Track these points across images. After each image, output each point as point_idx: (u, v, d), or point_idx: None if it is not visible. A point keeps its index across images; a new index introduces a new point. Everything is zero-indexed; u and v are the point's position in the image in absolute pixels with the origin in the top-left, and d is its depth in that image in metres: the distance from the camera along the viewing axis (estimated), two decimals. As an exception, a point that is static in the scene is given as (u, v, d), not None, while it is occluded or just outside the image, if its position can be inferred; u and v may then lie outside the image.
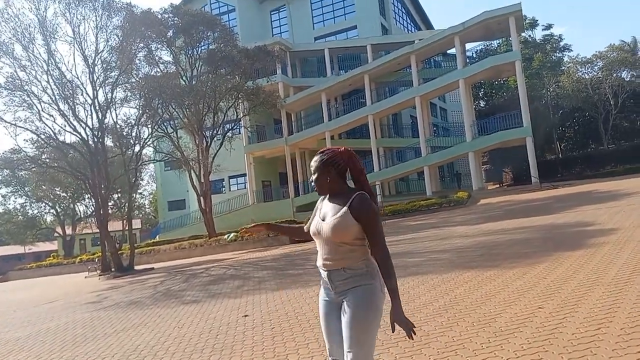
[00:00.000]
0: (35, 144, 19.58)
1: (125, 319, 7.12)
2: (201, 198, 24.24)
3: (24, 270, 29.22)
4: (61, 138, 17.90)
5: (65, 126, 17.29)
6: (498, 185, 36.00)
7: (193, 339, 5.19)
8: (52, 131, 17.44)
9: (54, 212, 39.85)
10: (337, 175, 2.22)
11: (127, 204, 21.08)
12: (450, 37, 27.61)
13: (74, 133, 17.48)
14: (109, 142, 20.45)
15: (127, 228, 19.67)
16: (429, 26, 43.74)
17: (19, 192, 36.78)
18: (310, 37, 36.08)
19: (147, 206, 56.89)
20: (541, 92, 36.72)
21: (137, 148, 19.28)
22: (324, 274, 2.23)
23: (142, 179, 45.88)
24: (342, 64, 35.03)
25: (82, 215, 40.17)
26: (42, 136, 17.70)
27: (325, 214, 2.21)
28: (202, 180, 24.23)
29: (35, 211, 39.72)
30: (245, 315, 5.96)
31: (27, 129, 16.97)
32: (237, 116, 27.05)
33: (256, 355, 4.22)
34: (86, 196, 29.47)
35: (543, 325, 3.86)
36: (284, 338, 4.64)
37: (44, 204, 38.51)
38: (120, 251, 20.77)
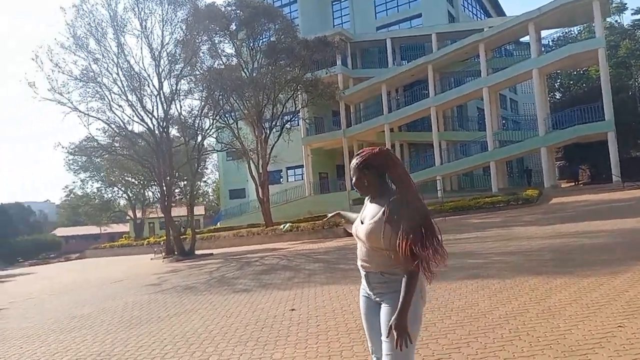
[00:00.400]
0: (107, 133, 20.81)
1: (179, 304, 7.25)
2: (259, 188, 24.63)
3: (98, 250, 31.35)
4: (130, 128, 18.87)
5: (133, 116, 18.20)
6: (573, 184, 33.54)
7: (239, 329, 5.11)
8: (122, 121, 18.44)
9: (126, 197, 42.36)
10: (373, 177, 2.17)
11: (188, 192, 21.86)
12: (524, 24, 25.87)
13: (141, 123, 18.36)
14: (173, 132, 21.24)
15: (191, 214, 20.39)
16: (500, 13, 41.40)
17: (95, 177, 39.35)
18: (372, 27, 35.32)
19: (210, 194, 59.00)
20: (628, 83, 33.56)
21: (199, 138, 19.83)
22: (362, 273, 2.25)
23: (206, 168, 47.61)
24: (404, 54, 34.00)
25: (151, 201, 42.35)
26: (113, 126, 18.75)
27: (365, 217, 2.20)
28: (261, 171, 24.60)
29: (110, 195, 42.42)
30: (293, 309, 5.81)
31: (99, 119, 18.08)
32: (295, 108, 27.13)
33: (298, 354, 4.04)
34: (153, 183, 31.04)
35: (624, 348, 3.34)
36: (329, 337, 4.42)
37: (116, 189, 41.03)
38: (184, 236, 21.58)
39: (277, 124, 26.10)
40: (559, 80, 40.47)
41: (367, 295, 2.25)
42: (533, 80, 26.03)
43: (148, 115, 18.32)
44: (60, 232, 58.18)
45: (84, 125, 18.36)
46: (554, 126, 26.11)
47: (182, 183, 39.96)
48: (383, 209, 2.06)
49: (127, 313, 6.91)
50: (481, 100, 29.06)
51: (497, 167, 26.90)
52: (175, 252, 18.53)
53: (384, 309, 2.11)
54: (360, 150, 2.24)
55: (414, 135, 32.53)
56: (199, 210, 53.26)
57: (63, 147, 21.38)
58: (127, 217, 45.21)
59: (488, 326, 4.18)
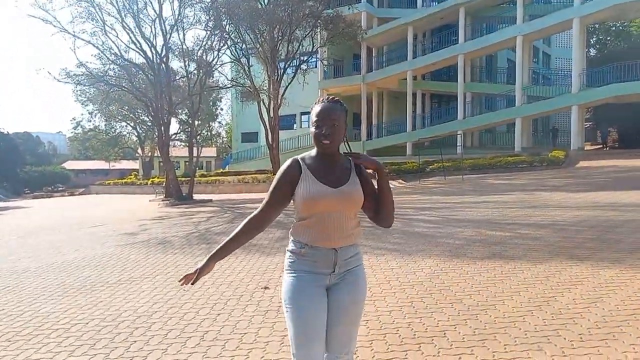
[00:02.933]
0: (102, 61, 19.13)
1: (141, 264, 6.18)
2: (269, 132, 23.28)
3: (103, 186, 30.86)
4: (127, 56, 17.19)
5: (130, 44, 16.51)
6: (601, 147, 31.44)
7: (188, 315, 3.96)
8: (117, 47, 16.78)
9: (136, 133, 41.23)
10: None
11: (199, 132, 20.59)
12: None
13: (139, 51, 16.71)
14: (175, 63, 19.49)
15: (200, 155, 19.19)
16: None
17: (104, 111, 38.01)
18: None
19: (224, 136, 57.88)
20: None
21: (202, 72, 18.18)
22: (323, 253, 1.79)
23: (221, 108, 46.12)
24: (435, -6, 31.14)
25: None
26: (107, 52, 17.12)
27: (331, 179, 1.79)
28: (271, 114, 23.15)
29: (119, 130, 41.21)
30: (266, 288, 4.64)
31: (90, 43, 16.35)
32: (313, 47, 25.13)
33: (248, 369, 2.87)
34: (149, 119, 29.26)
35: None
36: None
37: (125, 124, 39.79)
38: (194, 177, 20.37)
39: (292, 64, 24.32)
40: (595, 36, 37.35)
41: (320, 284, 1.81)
42: (573, 31, 23.58)
43: (147, 43, 16.66)
44: (71, 165, 58.07)
45: (71, 49, 16.54)
46: (588, 84, 23.89)
47: (196, 122, 38.59)
48: (352, 165, 1.87)
49: (77, 272, 5.86)
50: (512, 51, 26.75)
51: (522, 125, 25.05)
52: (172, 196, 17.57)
53: (350, 287, 1.84)
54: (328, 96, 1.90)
55: (438, 85, 30.43)
56: (210, 152, 52.33)
57: (49, 73, 19.80)
58: (137, 155, 44.46)
59: (514, 348, 2.91)
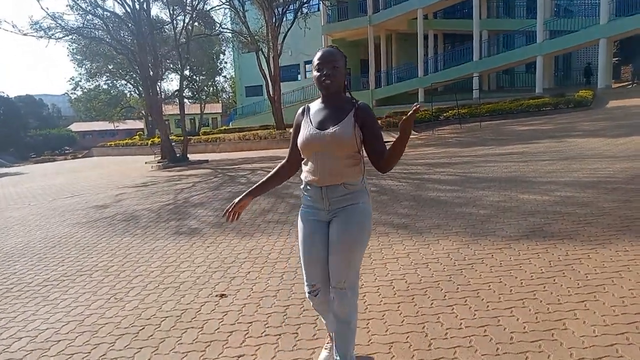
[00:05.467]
0: (76, 11, 17.09)
1: (88, 251, 5.01)
2: (269, 84, 21.67)
3: (104, 148, 29.86)
4: (103, 5, 15.42)
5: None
6: (628, 84, 29.05)
7: (102, 348, 2.78)
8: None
9: (137, 92, 39.69)
10: (344, 74, 1.96)
11: (202, 87, 19.07)
12: None
13: (116, -1, 14.91)
14: (164, 13, 17.67)
15: (204, 111, 17.82)
16: None
17: (93, 69, 36.23)
18: None
19: (229, 90, 55.91)
20: None
21: (187, 18, 16.37)
22: (315, 190, 1.99)
23: (225, 62, 43.95)
24: None
25: (163, 96, 39.67)
26: (81, 1, 15.26)
27: (322, 122, 1.93)
28: (272, 65, 21.45)
29: (120, 89, 39.62)
30: (222, 295, 3.40)
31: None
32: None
33: None
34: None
35: None
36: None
37: (125, 82, 38.12)
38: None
39: (292, 7, 22.29)
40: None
41: (315, 218, 2.02)
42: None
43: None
44: (77, 127, 57.19)
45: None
46: (618, 13, 21.47)
47: (199, 77, 36.78)
48: (353, 109, 1.91)
49: (5, 267, 4.72)
50: (533, -19, 24.07)
51: (544, 64, 22.90)
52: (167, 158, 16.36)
53: (344, 224, 1.94)
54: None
55: (451, 24, 27.99)
56: (215, 108, 50.76)
57: (14, 26, 17.99)
58: (141, 114, 43.09)
59: None
